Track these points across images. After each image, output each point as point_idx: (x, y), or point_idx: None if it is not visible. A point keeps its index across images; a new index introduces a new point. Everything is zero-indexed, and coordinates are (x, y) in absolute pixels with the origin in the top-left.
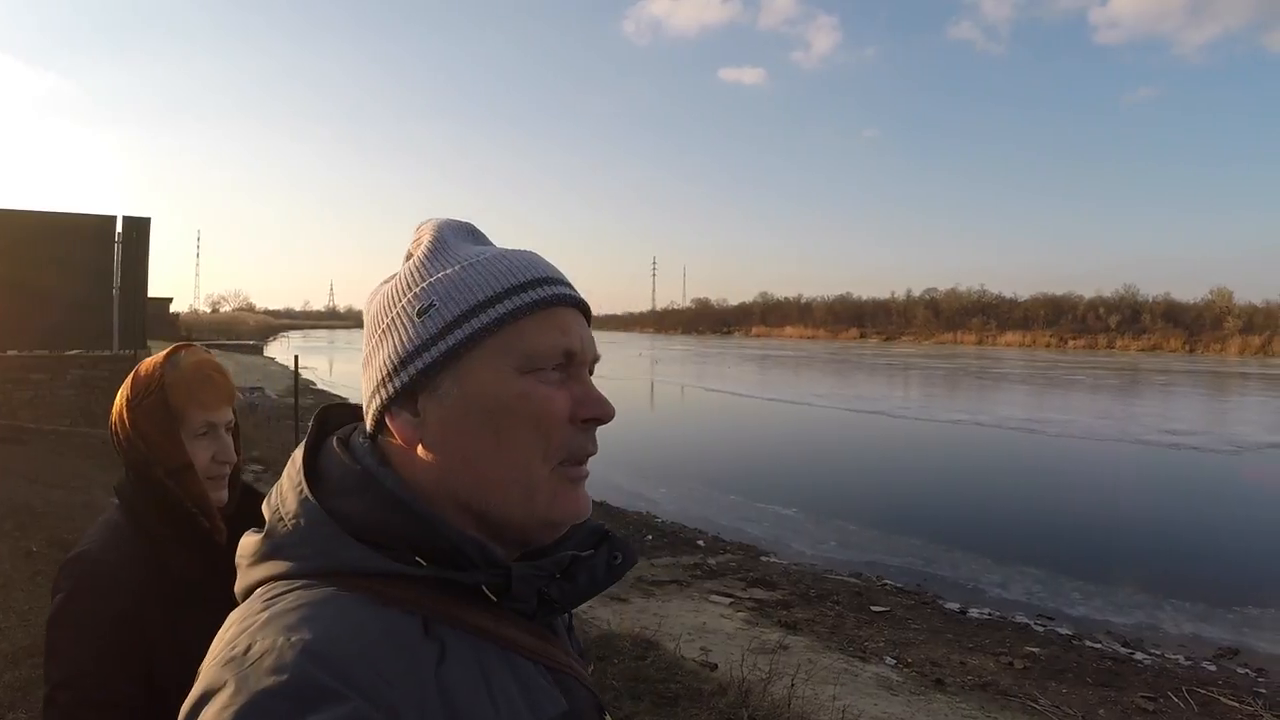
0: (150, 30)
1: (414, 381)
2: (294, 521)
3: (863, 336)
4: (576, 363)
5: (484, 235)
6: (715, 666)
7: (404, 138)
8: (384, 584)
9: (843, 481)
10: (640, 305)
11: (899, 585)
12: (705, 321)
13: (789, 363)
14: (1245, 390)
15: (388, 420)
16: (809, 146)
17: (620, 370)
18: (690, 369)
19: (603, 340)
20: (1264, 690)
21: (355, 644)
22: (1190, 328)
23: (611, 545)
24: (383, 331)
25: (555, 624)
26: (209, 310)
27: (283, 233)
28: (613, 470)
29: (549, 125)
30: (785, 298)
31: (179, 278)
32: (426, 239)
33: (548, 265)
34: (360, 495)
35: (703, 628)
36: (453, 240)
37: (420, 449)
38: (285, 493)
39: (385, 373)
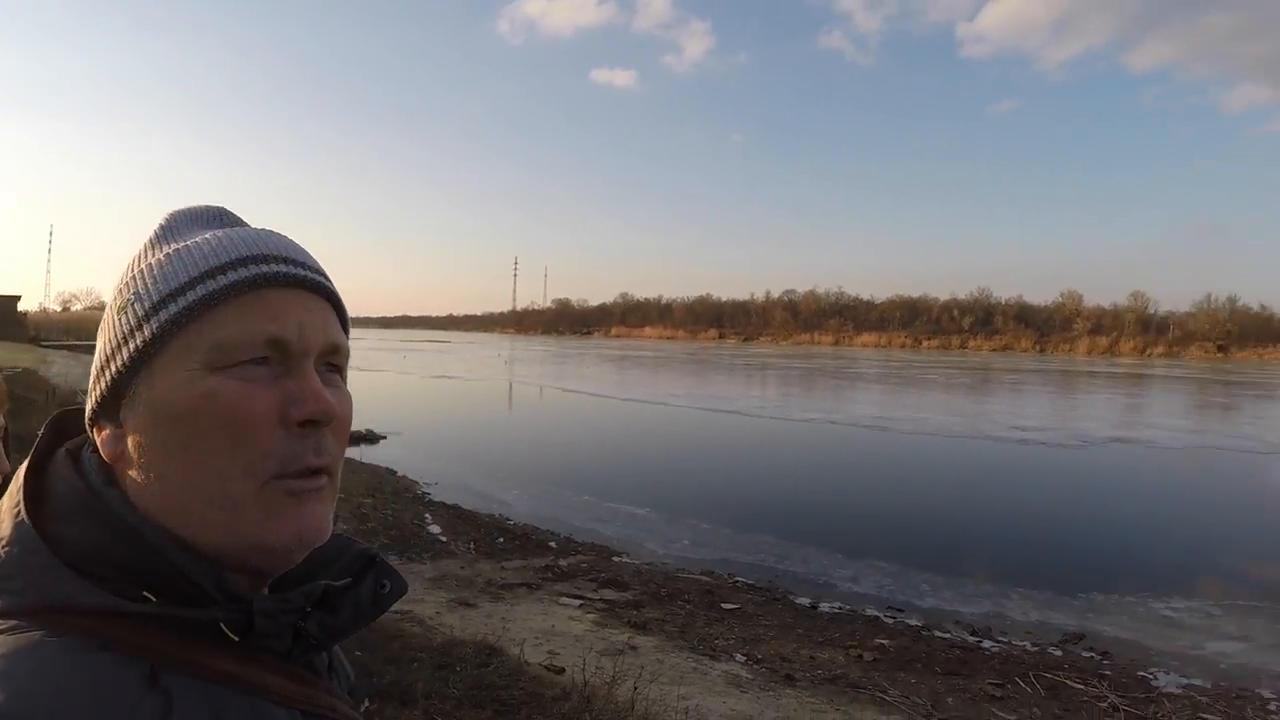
0: (8, 21)
1: (113, 388)
2: (5, 549)
3: (722, 337)
4: (294, 353)
5: (235, 217)
6: (562, 670)
7: (266, 135)
8: (104, 624)
9: (697, 481)
10: (501, 305)
11: (750, 582)
12: (565, 322)
13: (647, 363)
14: (1092, 388)
15: (94, 433)
16: (677, 150)
17: (478, 371)
18: (548, 369)
19: (462, 341)
20: (1109, 672)
21: (54, 703)
22: (1041, 329)
23: (379, 572)
24: (98, 332)
25: (315, 662)
26: (59, 309)
27: (143, 229)
28: (465, 472)
29: (417, 124)
30: (646, 298)
31: (30, 275)
32: (154, 228)
33: (274, 242)
34: (83, 519)
35: (551, 631)
36: (183, 226)
37: (123, 465)
38: (2, 514)
39: (91, 380)
